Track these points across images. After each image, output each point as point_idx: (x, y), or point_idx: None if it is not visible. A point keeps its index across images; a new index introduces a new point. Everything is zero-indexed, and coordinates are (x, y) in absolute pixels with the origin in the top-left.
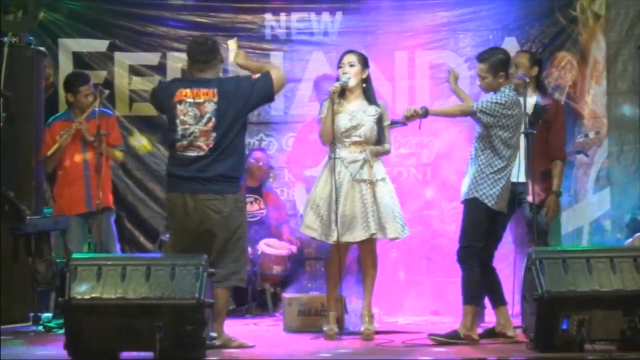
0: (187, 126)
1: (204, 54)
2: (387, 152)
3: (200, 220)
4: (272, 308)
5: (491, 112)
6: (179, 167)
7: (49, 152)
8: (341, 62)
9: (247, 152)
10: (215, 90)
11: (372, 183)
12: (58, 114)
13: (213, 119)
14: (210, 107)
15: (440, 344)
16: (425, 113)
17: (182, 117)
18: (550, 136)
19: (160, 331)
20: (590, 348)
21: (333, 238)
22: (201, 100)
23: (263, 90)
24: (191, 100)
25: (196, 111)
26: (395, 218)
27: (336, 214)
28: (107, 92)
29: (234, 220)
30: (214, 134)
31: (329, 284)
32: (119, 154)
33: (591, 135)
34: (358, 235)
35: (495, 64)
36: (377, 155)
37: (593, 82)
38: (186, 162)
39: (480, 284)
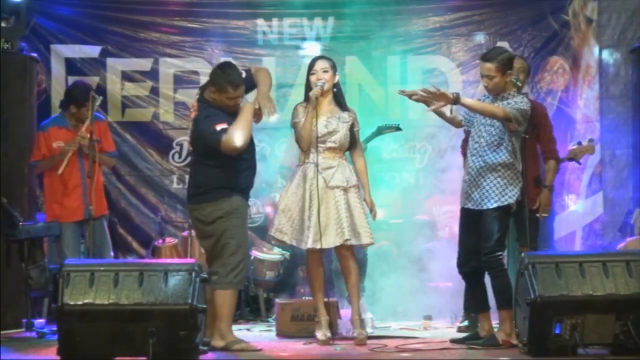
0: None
1: (219, 79)
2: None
3: (194, 228)
4: (265, 313)
5: (520, 119)
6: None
7: (60, 170)
8: (313, 68)
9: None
10: (197, 105)
11: (346, 189)
12: (51, 119)
13: (189, 136)
14: (192, 125)
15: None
16: (456, 100)
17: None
18: (542, 139)
19: (153, 336)
20: (583, 352)
21: (306, 244)
22: (193, 115)
23: (210, 137)
24: (192, 112)
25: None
26: (367, 224)
27: (310, 219)
28: (100, 98)
29: (215, 227)
30: (189, 147)
31: (313, 290)
32: (111, 160)
33: (584, 142)
34: (332, 241)
35: (503, 62)
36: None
37: (585, 87)
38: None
39: (510, 285)
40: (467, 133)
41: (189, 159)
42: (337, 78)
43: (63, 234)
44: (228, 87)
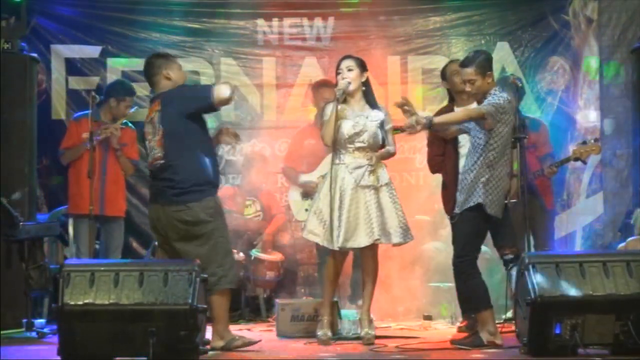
0: (150, 142)
1: (145, 74)
2: (391, 155)
3: (170, 231)
4: (265, 314)
5: (493, 115)
6: (151, 180)
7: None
8: (339, 67)
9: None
10: (159, 100)
11: (377, 189)
12: (86, 112)
13: (161, 128)
14: (157, 117)
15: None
16: (429, 124)
17: (147, 137)
18: None
19: (154, 336)
20: (583, 352)
21: (337, 244)
22: (152, 115)
23: (200, 95)
24: (148, 119)
25: (151, 126)
26: (399, 223)
27: (340, 220)
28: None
29: (204, 227)
30: (164, 141)
31: (325, 289)
32: (130, 167)
33: (589, 142)
34: (362, 241)
35: (482, 64)
36: (383, 159)
37: (585, 87)
38: (154, 174)
39: (485, 286)
40: (432, 147)
41: None
42: (365, 76)
43: (76, 230)
44: (171, 57)
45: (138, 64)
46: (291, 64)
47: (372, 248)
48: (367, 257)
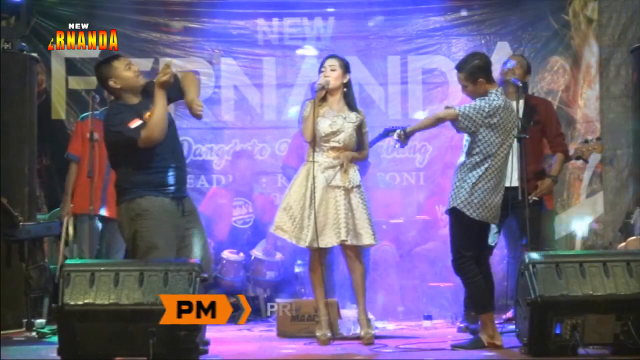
0: None
1: None
2: (363, 158)
3: None
4: (265, 314)
5: (471, 117)
6: None
7: None
8: (323, 66)
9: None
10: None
11: (347, 190)
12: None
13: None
14: None
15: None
16: (407, 135)
17: None
18: (548, 134)
19: (154, 336)
20: (583, 352)
21: (305, 242)
22: None
23: (121, 133)
24: None
25: None
26: (369, 224)
27: (310, 218)
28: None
29: (127, 228)
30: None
31: (315, 290)
32: None
33: (591, 141)
34: (329, 241)
35: (471, 70)
36: (353, 160)
37: (586, 87)
38: None
39: (485, 289)
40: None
41: (189, 158)
42: (347, 78)
43: (79, 230)
44: (112, 62)
45: (137, 63)
46: (291, 64)
47: (353, 249)
48: (350, 258)
